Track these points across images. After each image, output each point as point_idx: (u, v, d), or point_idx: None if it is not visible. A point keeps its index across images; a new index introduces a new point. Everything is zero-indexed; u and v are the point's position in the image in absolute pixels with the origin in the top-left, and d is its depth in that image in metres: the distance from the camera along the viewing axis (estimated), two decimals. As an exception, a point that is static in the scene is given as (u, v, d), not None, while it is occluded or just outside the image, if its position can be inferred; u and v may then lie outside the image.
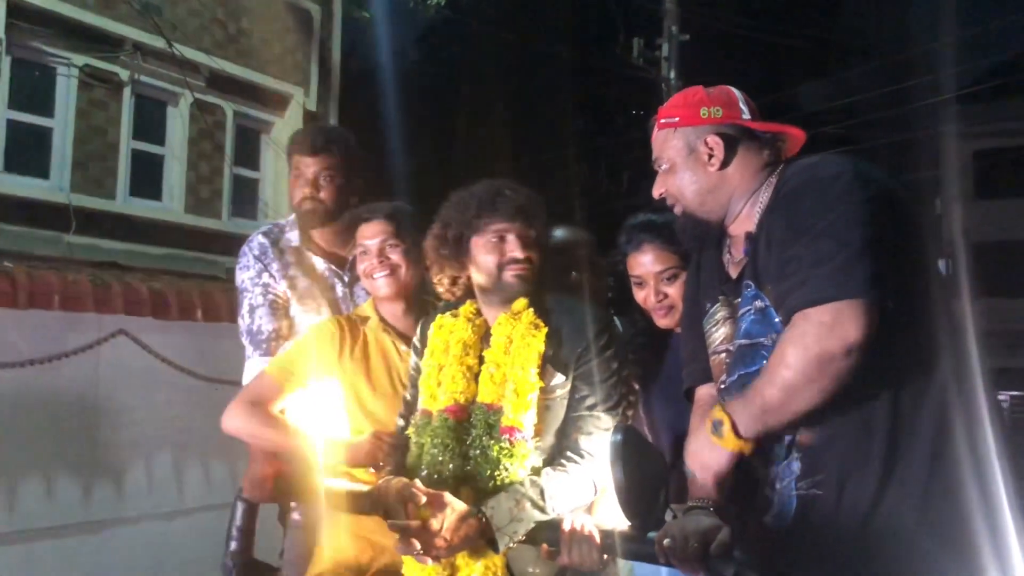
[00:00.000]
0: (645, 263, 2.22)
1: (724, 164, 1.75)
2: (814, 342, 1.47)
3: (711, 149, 1.75)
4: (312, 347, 2.29)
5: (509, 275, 1.99)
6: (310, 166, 2.65)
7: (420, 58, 21.54)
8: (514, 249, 1.99)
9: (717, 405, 1.66)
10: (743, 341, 1.70)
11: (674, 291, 2.17)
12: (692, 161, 1.78)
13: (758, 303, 1.67)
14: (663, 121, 1.83)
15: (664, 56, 11.93)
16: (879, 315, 1.47)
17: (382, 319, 2.37)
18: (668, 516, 1.80)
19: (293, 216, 2.79)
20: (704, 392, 1.89)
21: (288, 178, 2.71)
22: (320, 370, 2.27)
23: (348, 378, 2.29)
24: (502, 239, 1.99)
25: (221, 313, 5.30)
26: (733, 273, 1.79)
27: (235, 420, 2.28)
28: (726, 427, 1.60)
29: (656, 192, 1.84)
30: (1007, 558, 1.47)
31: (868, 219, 1.51)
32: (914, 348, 1.56)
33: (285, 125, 9.26)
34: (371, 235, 2.34)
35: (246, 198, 9.01)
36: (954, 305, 1.66)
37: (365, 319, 2.38)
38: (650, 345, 2.29)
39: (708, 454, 1.65)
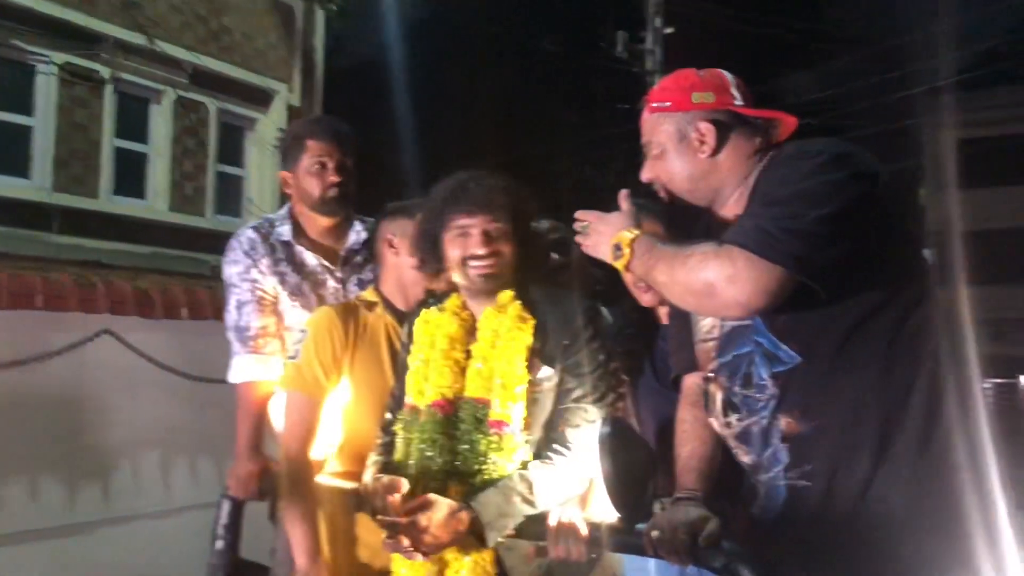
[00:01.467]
0: None
1: (715, 151, 1.72)
2: (722, 278, 1.50)
3: (703, 136, 1.73)
4: (312, 345, 2.22)
5: (472, 272, 1.95)
6: (334, 154, 2.60)
7: (405, 52, 21.39)
8: (476, 245, 1.93)
9: (623, 232, 1.70)
10: (734, 322, 1.69)
11: None
12: (683, 147, 1.75)
13: None
14: (654, 105, 1.80)
15: (648, 49, 11.92)
16: (791, 292, 1.49)
17: (388, 304, 2.31)
18: (656, 508, 1.79)
19: (284, 210, 2.74)
20: (691, 381, 1.88)
21: (292, 169, 2.61)
22: (324, 365, 2.21)
23: (346, 367, 2.24)
24: (465, 234, 1.95)
25: (207, 311, 5.26)
26: None
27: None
28: (623, 259, 1.68)
29: (645, 177, 1.81)
30: (998, 541, 1.47)
31: (831, 199, 1.50)
32: (903, 335, 1.55)
33: (269, 121, 9.22)
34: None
35: (230, 195, 8.97)
36: (940, 293, 1.66)
37: (371, 304, 2.32)
38: (639, 336, 2.27)
39: (603, 251, 1.74)
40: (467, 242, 1.94)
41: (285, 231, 2.67)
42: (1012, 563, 1.47)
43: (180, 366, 5.15)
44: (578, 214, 1.82)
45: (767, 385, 1.62)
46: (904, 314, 1.56)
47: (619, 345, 2.18)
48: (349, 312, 2.29)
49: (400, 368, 2.12)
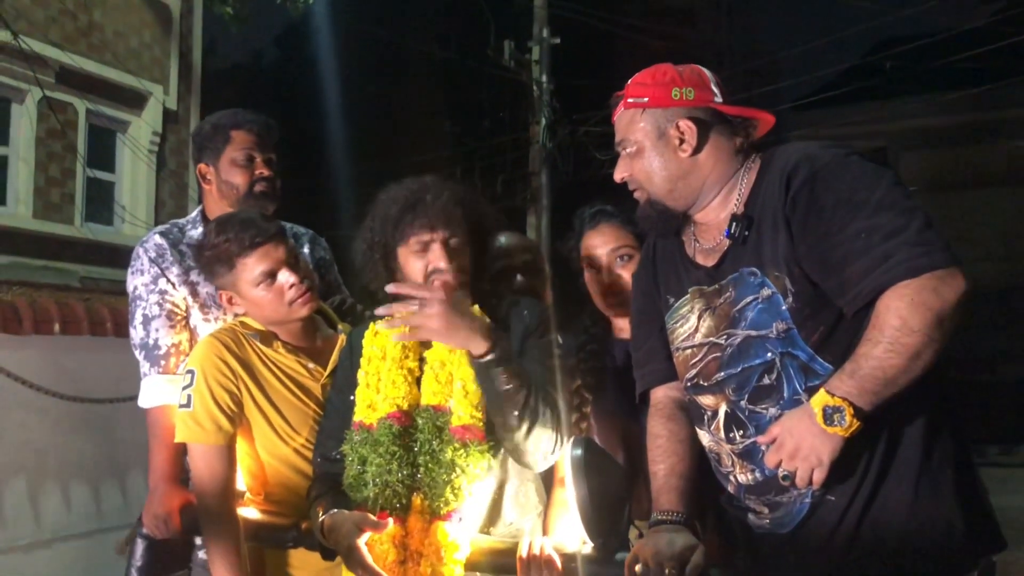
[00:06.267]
0: (600, 242, 2.15)
1: (696, 150, 1.65)
2: (935, 301, 1.39)
3: (682, 134, 1.65)
4: (205, 389, 1.99)
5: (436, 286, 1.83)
6: (262, 145, 2.41)
7: (286, 57, 20.87)
8: (438, 260, 1.85)
9: (821, 392, 1.45)
10: (749, 332, 1.59)
11: (627, 274, 2.10)
12: (662, 146, 1.66)
13: (765, 291, 1.57)
14: (631, 100, 1.70)
15: (535, 59, 11.95)
16: (824, 302, 1.45)
17: (276, 335, 2.10)
18: (632, 534, 1.69)
19: (196, 212, 2.51)
20: (662, 394, 1.78)
21: (212, 162, 2.40)
22: (225, 407, 2.01)
23: (248, 400, 2.04)
24: (425, 248, 1.86)
25: (81, 326, 4.92)
26: (708, 261, 1.69)
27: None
28: (847, 414, 1.42)
29: (619, 175, 1.72)
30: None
31: (909, 192, 1.49)
32: None
33: (142, 124, 8.79)
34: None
35: (101, 202, 8.50)
36: None
37: (265, 336, 2.09)
38: (601, 352, 2.18)
39: (823, 447, 1.45)
40: (428, 256, 1.86)
41: (197, 234, 2.41)
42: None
43: (52, 385, 4.79)
44: (766, 447, 1.56)
45: (801, 400, 1.52)
46: None
47: (581, 362, 2.10)
48: (236, 339, 2.07)
49: (339, 387, 1.98)
